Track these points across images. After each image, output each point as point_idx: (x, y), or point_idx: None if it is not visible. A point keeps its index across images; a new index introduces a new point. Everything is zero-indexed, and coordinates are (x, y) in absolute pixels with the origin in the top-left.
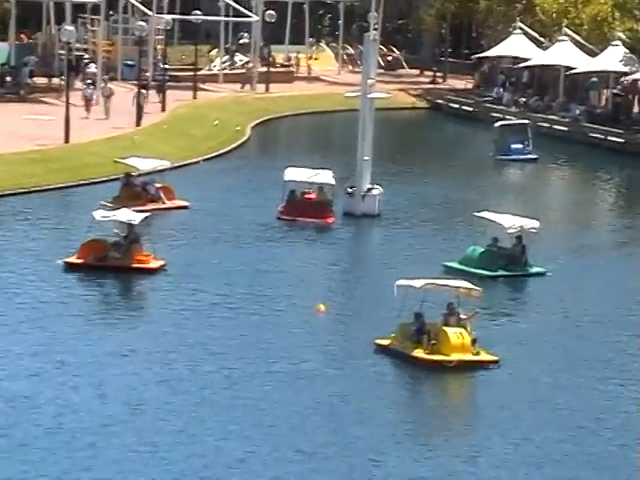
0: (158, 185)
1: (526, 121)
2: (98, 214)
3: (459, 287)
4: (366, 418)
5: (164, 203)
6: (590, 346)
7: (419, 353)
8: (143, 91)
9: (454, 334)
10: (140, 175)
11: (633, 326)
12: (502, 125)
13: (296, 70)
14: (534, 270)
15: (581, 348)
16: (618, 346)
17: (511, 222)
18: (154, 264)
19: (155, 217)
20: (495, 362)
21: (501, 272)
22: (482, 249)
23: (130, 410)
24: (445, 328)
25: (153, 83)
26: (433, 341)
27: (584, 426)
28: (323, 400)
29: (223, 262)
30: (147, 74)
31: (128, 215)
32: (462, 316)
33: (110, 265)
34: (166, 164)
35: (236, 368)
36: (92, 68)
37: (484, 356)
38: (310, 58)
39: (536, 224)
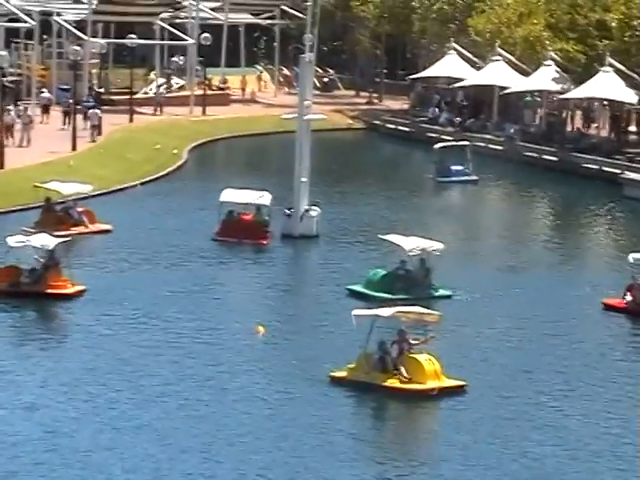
0: (80, 209)
1: (466, 143)
2: (12, 240)
3: (422, 313)
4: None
5: (87, 227)
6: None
7: (394, 383)
8: (94, 111)
9: (426, 361)
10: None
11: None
12: (442, 147)
13: (242, 93)
14: (439, 293)
15: (521, 359)
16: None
17: (413, 244)
18: (70, 289)
19: (78, 241)
20: (462, 387)
21: (402, 295)
22: (384, 272)
23: (45, 434)
24: (414, 356)
25: (79, 107)
26: (401, 370)
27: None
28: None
29: (153, 285)
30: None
31: (42, 240)
32: (412, 341)
33: (22, 291)
34: (87, 188)
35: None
36: (45, 93)
37: (453, 382)
38: (259, 79)
39: (439, 246)
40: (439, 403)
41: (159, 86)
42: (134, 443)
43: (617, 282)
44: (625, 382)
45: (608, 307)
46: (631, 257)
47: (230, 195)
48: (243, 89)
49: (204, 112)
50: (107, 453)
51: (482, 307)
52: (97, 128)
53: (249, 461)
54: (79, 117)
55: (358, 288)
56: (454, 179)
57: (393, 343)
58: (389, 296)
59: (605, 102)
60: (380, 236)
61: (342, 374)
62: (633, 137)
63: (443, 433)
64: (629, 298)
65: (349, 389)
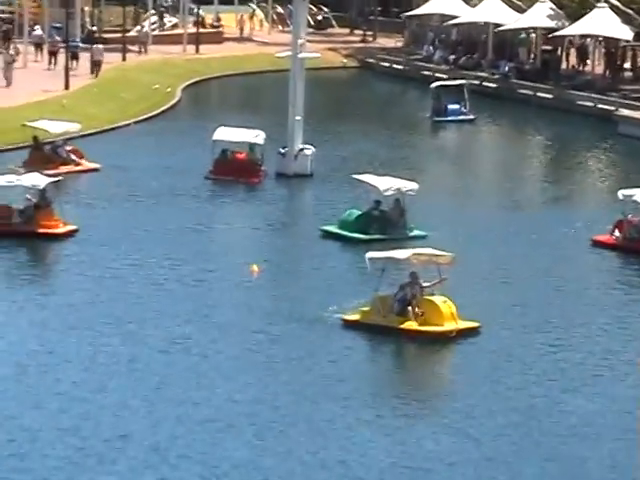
0: (68, 148)
1: (463, 81)
2: (2, 179)
3: (435, 255)
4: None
5: (76, 166)
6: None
7: (412, 326)
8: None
9: (443, 303)
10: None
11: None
12: (438, 86)
13: (240, 32)
14: (413, 233)
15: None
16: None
17: (388, 185)
18: (62, 229)
19: (67, 180)
20: (477, 328)
21: (377, 236)
22: (358, 212)
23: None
24: (430, 298)
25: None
26: (420, 312)
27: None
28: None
29: (145, 224)
30: (57, 38)
31: (32, 180)
32: (425, 284)
33: (14, 231)
34: (76, 127)
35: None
36: (38, 30)
37: (468, 323)
38: (252, 18)
39: (414, 186)
40: (455, 346)
41: (152, 24)
42: (126, 384)
43: (610, 219)
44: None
45: (597, 243)
46: (620, 193)
47: (223, 134)
48: (241, 28)
49: (197, 50)
50: (98, 395)
51: (472, 246)
52: (98, 64)
53: (263, 405)
54: (64, 57)
55: (332, 228)
56: (450, 118)
57: (405, 286)
58: (364, 236)
59: (600, 39)
60: (354, 176)
61: (355, 317)
62: (628, 74)
63: (457, 376)
64: (617, 234)
65: (363, 332)
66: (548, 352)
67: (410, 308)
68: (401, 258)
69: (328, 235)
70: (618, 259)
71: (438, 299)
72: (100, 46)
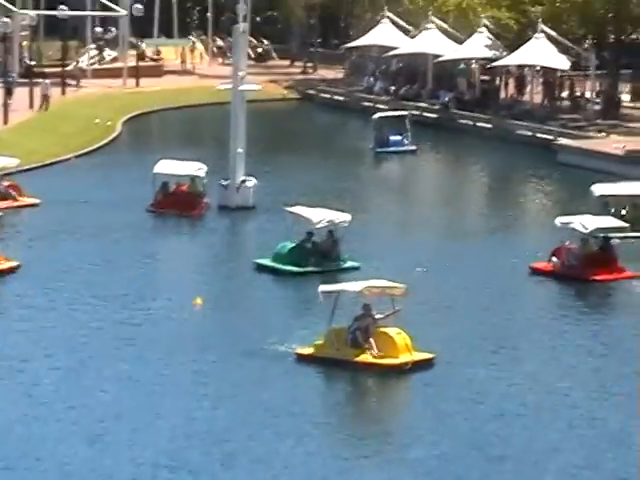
0: (6, 183)
1: (405, 112)
2: None
3: (388, 287)
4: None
5: (15, 201)
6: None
7: (366, 359)
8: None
9: (397, 335)
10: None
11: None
12: (380, 117)
13: (182, 65)
14: (347, 265)
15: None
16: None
17: (320, 216)
18: (4, 265)
19: (6, 216)
20: (431, 360)
21: (311, 268)
22: (292, 245)
23: None
24: (385, 330)
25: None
26: (372, 344)
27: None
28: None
29: (87, 259)
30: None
31: None
32: (377, 316)
33: None
34: (14, 162)
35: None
36: None
37: (422, 354)
38: (192, 51)
39: (347, 217)
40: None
41: (91, 58)
42: (65, 419)
43: (549, 246)
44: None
45: (535, 271)
46: (558, 221)
47: (164, 167)
48: (183, 61)
49: (137, 84)
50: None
51: (411, 277)
52: (47, 99)
53: (218, 442)
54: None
55: (266, 262)
56: (392, 149)
57: (358, 317)
58: (297, 269)
59: (538, 68)
60: (285, 208)
61: (309, 351)
62: (566, 103)
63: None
64: (555, 260)
65: (318, 366)
66: (503, 383)
67: (363, 340)
68: (354, 290)
69: (262, 268)
70: (556, 286)
71: (392, 331)
72: (47, 81)
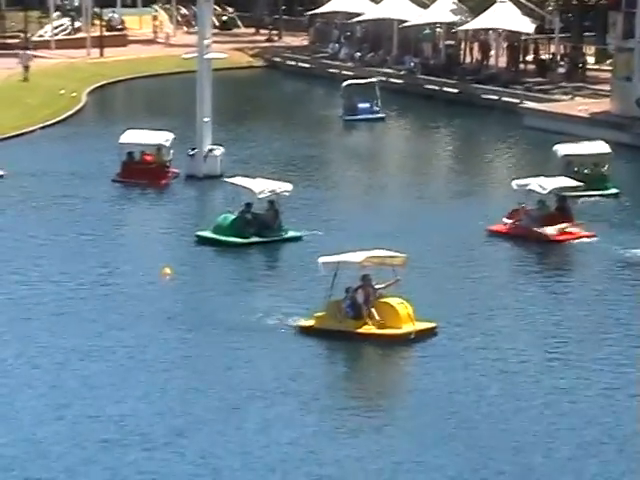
0: None
1: (374, 79)
2: None
3: (388, 257)
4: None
5: None
6: None
7: (369, 329)
8: None
9: (399, 305)
10: None
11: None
12: (349, 84)
13: (154, 36)
14: (289, 235)
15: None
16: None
17: (262, 187)
18: None
19: None
20: (434, 329)
21: (254, 239)
22: (233, 216)
23: None
24: (386, 300)
25: None
26: (373, 314)
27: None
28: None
29: (53, 229)
30: None
31: None
32: (377, 286)
33: None
34: None
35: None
36: None
37: (425, 324)
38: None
39: (288, 187)
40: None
41: (55, 28)
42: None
43: (509, 208)
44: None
45: (492, 233)
46: (514, 184)
47: (130, 137)
48: (155, 32)
49: (102, 54)
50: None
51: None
52: (27, 69)
53: (222, 417)
54: None
55: (207, 234)
56: (361, 117)
57: (358, 288)
58: (240, 240)
59: (501, 31)
60: (225, 179)
61: (310, 323)
62: (530, 66)
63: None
64: (508, 222)
65: (320, 338)
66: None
67: (364, 311)
68: (354, 261)
69: (204, 240)
70: (516, 247)
71: (394, 301)
72: (29, 52)
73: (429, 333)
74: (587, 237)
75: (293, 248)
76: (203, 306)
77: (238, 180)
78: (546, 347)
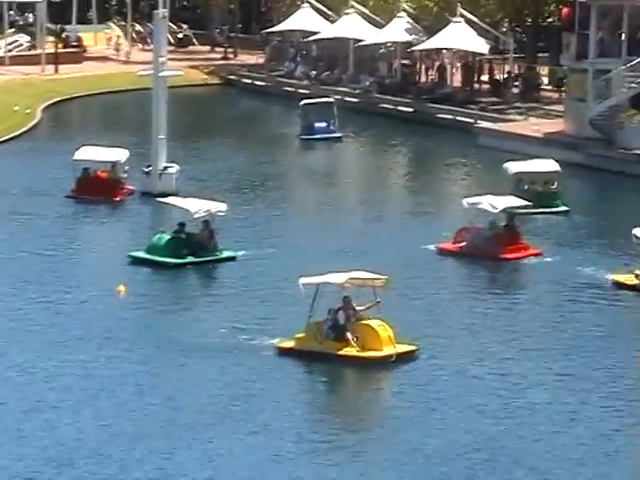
0: None
1: (331, 99)
2: None
3: (369, 279)
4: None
5: None
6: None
7: (350, 351)
8: None
9: (380, 327)
10: None
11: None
12: (306, 104)
13: (117, 53)
14: (224, 255)
15: None
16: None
17: (197, 206)
18: None
19: None
20: (414, 352)
21: (189, 259)
22: (168, 236)
23: None
24: (366, 322)
25: None
26: (350, 337)
27: None
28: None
29: (3, 245)
30: None
31: None
32: (358, 308)
33: None
34: None
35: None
36: None
37: (406, 346)
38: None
39: (223, 207)
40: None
41: (8, 44)
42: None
43: (458, 227)
44: None
45: (442, 251)
46: (465, 202)
47: (85, 153)
48: (117, 49)
49: (57, 70)
50: None
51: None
52: None
53: (201, 440)
54: None
55: (141, 254)
56: (318, 136)
57: (338, 310)
58: (175, 260)
59: (455, 51)
60: (159, 200)
61: (290, 344)
62: (485, 86)
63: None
64: (456, 240)
65: (299, 359)
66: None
67: (345, 333)
68: (335, 282)
69: (138, 260)
70: (463, 265)
71: (374, 323)
72: None
73: (410, 356)
74: (536, 255)
75: (234, 268)
76: (154, 325)
77: (173, 200)
78: (525, 364)
